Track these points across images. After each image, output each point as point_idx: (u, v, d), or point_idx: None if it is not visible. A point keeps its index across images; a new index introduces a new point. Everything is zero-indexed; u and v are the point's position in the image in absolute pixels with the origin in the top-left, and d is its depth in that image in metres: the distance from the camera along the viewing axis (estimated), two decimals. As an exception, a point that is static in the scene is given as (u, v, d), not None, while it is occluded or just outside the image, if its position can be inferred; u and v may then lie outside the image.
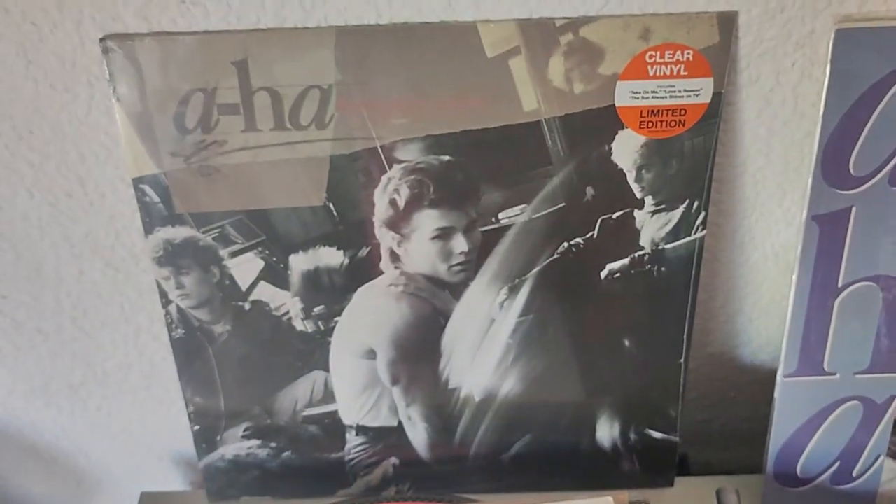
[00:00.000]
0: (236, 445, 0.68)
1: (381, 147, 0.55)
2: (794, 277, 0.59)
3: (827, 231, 0.57)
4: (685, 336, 0.63)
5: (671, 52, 0.53)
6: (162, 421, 0.77)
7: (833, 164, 0.56)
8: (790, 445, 0.66)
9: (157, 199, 0.57)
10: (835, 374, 0.63)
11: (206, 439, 0.67)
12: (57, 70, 0.55)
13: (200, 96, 0.54)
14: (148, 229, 0.58)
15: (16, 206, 0.61)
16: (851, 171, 0.56)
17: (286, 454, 0.68)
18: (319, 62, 0.53)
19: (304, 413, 0.66)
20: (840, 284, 0.59)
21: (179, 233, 0.58)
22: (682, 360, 0.64)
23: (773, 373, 0.64)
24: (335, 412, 0.66)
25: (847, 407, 0.64)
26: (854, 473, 0.67)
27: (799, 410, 0.64)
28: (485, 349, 0.63)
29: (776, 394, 0.64)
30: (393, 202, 0.57)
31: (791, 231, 0.63)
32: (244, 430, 0.67)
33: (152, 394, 0.75)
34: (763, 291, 0.67)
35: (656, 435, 0.67)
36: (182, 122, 0.54)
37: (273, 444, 0.68)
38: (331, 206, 0.58)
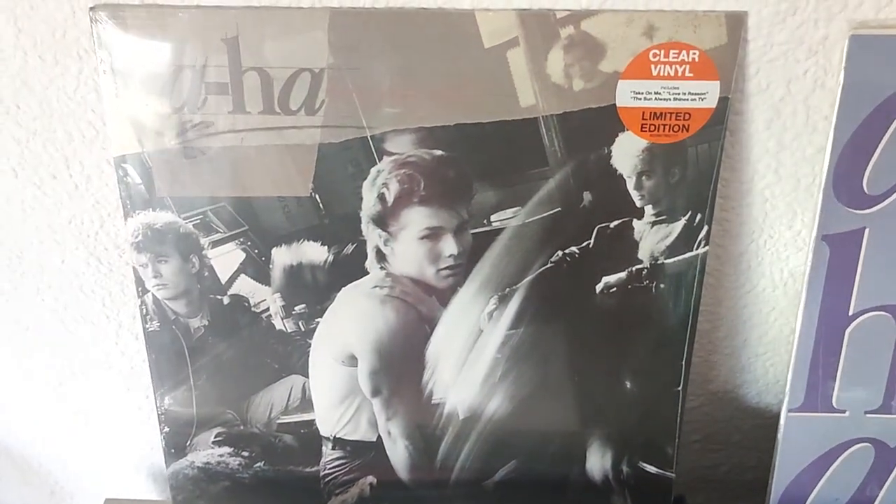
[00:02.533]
0: (207, 452, 0.64)
1: (372, 137, 0.53)
2: (802, 301, 0.56)
3: (837, 253, 0.54)
4: (683, 362, 0.59)
5: (676, 51, 0.50)
6: (140, 429, 0.74)
7: (845, 182, 0.53)
8: (794, 490, 0.61)
9: (138, 180, 0.55)
10: (844, 411, 0.59)
11: (175, 444, 0.64)
12: (47, 40, 0.54)
13: (189, 73, 0.52)
14: (128, 212, 0.56)
15: (0, 185, 0.60)
16: (865, 189, 0.53)
17: (259, 465, 0.65)
18: (312, 44, 0.51)
19: (280, 420, 0.63)
20: (851, 313, 0.56)
21: (160, 217, 0.56)
22: (679, 389, 0.60)
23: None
24: (312, 422, 0.63)
25: (857, 449, 0.60)
26: (863, 525, 0.62)
27: (804, 450, 0.60)
28: (471, 362, 0.60)
29: (780, 430, 0.60)
30: (381, 197, 0.55)
31: (802, 257, 0.60)
32: (216, 436, 0.64)
33: (132, 398, 0.72)
34: (771, 323, 0.63)
35: (651, 469, 0.63)
36: (169, 100, 0.53)
37: (245, 453, 0.64)
38: (317, 197, 0.55)
